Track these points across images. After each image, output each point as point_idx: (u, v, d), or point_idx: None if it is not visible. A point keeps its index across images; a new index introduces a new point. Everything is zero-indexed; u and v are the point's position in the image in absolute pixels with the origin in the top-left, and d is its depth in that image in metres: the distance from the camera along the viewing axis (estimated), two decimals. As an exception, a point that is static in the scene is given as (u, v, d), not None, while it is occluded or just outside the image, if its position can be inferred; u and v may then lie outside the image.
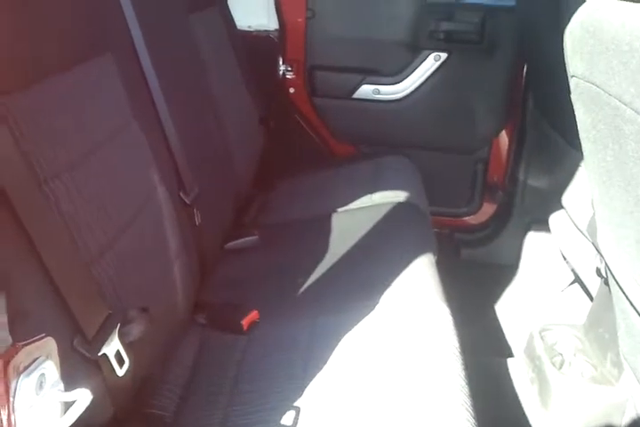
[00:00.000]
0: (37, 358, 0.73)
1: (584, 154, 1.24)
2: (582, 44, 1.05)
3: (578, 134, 1.24)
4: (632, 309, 1.14)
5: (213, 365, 1.41)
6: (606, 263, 1.30)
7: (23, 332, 0.74)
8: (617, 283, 1.21)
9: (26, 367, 0.71)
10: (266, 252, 1.86)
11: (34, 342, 0.73)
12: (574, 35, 1.07)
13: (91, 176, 1.13)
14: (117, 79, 1.33)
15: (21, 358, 0.70)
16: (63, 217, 1.01)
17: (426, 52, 2.40)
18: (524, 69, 2.40)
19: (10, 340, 0.70)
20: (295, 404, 1.20)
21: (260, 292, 1.65)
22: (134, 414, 1.19)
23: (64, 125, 1.10)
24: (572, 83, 1.16)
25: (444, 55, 2.39)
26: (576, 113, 1.20)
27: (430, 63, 2.40)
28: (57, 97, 1.10)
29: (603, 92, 0.99)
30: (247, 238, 1.91)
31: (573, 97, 1.17)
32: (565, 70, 1.20)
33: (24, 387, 0.70)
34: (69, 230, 1.02)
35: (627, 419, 1.57)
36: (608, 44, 0.93)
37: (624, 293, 1.17)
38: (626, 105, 0.91)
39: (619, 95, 0.93)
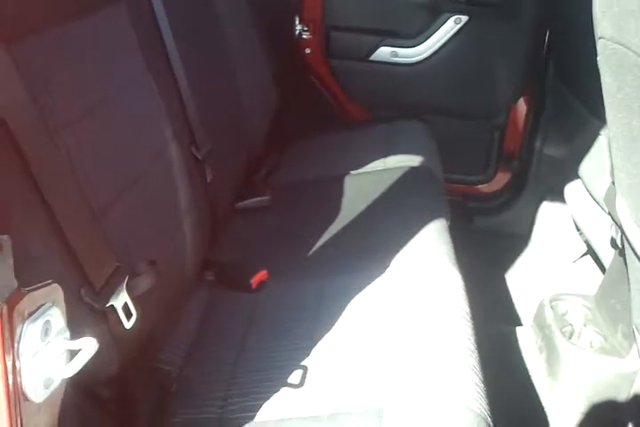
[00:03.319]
0: (43, 305, 0.72)
1: (607, 119, 1.21)
2: (611, 3, 1.01)
3: (600, 100, 1.21)
4: (648, 278, 1.12)
5: (221, 322, 1.40)
6: (624, 233, 1.27)
7: (29, 279, 0.73)
8: (634, 253, 1.18)
9: (31, 313, 0.70)
10: (277, 212, 1.85)
11: (40, 288, 0.72)
12: (604, -6, 1.04)
13: (102, 127, 1.12)
14: (131, 30, 1.31)
15: (26, 303, 0.69)
16: (73, 167, 1.00)
17: (446, 14, 2.33)
18: (546, 34, 2.34)
19: (15, 284, 0.68)
20: (303, 363, 1.20)
21: (270, 252, 1.64)
22: (141, 368, 1.19)
23: (76, 74, 1.09)
24: (600, 45, 1.12)
25: (464, 18, 2.31)
26: (602, 77, 1.16)
27: (450, 26, 2.33)
28: (69, 45, 1.08)
29: (632, 53, 0.96)
30: (259, 198, 1.89)
31: (600, 60, 1.14)
32: (591, 33, 1.16)
33: (29, 333, 0.69)
34: (79, 181, 1.00)
35: (635, 391, 1.56)
36: (640, 2, 0.90)
37: (642, 262, 1.15)
38: (657, 66, 0.88)
39: (650, 56, 0.90)
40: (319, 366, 1.19)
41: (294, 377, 1.16)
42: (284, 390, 1.14)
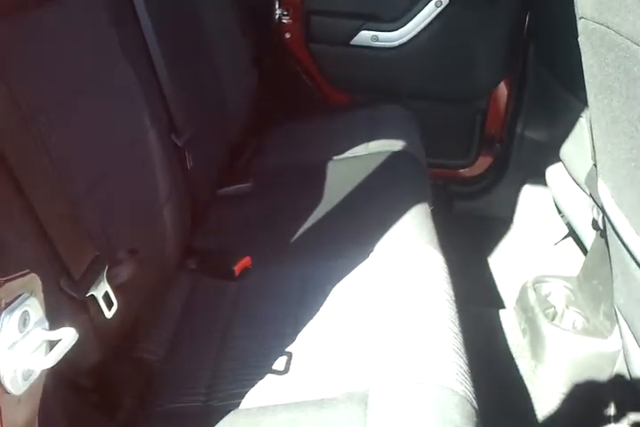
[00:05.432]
0: (20, 295, 0.71)
1: (589, 100, 1.21)
2: (593, -18, 1.00)
3: (581, 82, 1.21)
4: (631, 259, 1.12)
5: (204, 310, 1.39)
6: (605, 214, 1.28)
7: (5, 269, 0.71)
8: (616, 233, 1.19)
9: (8, 304, 0.69)
10: (259, 199, 1.83)
11: (17, 278, 0.71)
12: (585, -27, 1.03)
13: (78, 113, 1.10)
14: (106, 14, 1.29)
15: (3, 293, 0.68)
16: (49, 153, 0.98)
17: (427, -3, 2.32)
18: (527, 17, 2.33)
19: (-11, 275, 0.67)
20: (287, 349, 1.19)
21: (253, 238, 1.63)
22: (123, 358, 1.18)
23: (49, 59, 1.07)
24: (581, 25, 1.11)
25: (445, 1, 2.30)
26: (583, 57, 1.16)
27: (431, 9, 2.31)
28: (42, 30, 1.06)
29: (613, 32, 0.96)
30: (241, 185, 1.87)
31: (581, 40, 1.13)
32: (572, 14, 1.15)
33: (6, 324, 0.68)
34: (55, 167, 0.98)
35: (617, 371, 1.58)
36: (621, -19, 0.89)
37: (624, 243, 1.15)
38: (638, 45, 0.87)
39: (631, 35, 0.90)
40: (304, 353, 1.19)
41: (279, 364, 1.16)
42: (268, 376, 1.14)
